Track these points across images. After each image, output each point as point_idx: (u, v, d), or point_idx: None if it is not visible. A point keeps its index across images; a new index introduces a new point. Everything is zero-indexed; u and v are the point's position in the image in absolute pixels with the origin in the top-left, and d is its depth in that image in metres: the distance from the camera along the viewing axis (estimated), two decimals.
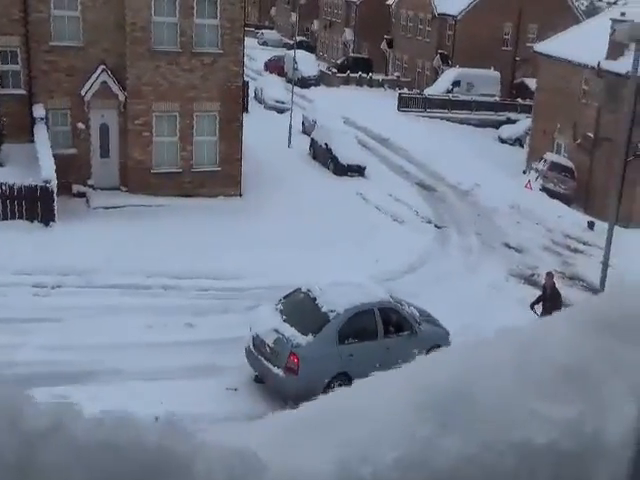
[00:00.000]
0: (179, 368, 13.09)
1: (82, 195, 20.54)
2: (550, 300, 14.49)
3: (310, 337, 11.75)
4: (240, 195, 22.67)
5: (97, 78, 20.49)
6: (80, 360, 12.92)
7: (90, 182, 21.02)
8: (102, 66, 20.47)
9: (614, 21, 26.03)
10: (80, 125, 20.75)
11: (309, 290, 12.53)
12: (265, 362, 11.95)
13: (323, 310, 12.06)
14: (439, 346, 12.69)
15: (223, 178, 22.47)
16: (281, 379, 11.66)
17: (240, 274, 17.12)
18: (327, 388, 11.34)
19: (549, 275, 15.36)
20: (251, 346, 12.32)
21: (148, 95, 21.15)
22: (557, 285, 15.17)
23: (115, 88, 20.75)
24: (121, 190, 21.37)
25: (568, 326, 1.29)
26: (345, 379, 11.70)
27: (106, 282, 15.91)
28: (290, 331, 11.85)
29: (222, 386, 12.74)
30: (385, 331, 12.53)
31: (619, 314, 1.27)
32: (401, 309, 13.02)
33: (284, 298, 12.85)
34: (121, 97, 20.91)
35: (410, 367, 1.22)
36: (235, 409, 11.95)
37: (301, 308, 12.27)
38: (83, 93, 20.49)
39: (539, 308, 14.65)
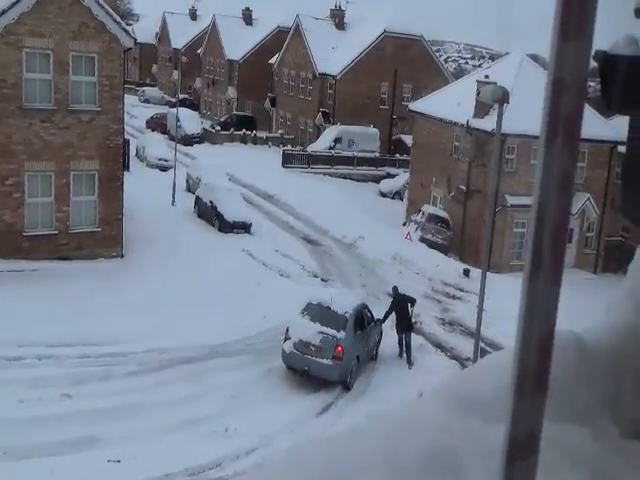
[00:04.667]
0: (56, 443, 12.28)
1: None
2: (401, 308, 18.13)
3: (342, 332, 15.82)
4: (122, 256, 21.96)
5: None
6: None
7: None
8: None
9: (479, 83, 27.98)
10: None
11: (320, 302, 16.56)
12: (313, 358, 15.61)
13: (340, 313, 16.22)
14: (381, 333, 18.34)
15: (103, 239, 21.72)
16: (330, 366, 15.56)
17: (121, 338, 16.45)
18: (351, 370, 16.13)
19: (394, 289, 18.92)
20: (294, 350, 15.76)
21: (19, 154, 20.26)
22: (402, 293, 18.79)
23: None
24: None
25: (436, 409, 1.33)
26: (357, 360, 16.37)
27: None
28: (329, 331, 15.77)
29: (104, 458, 12.08)
30: (367, 323, 17.18)
31: (483, 393, 1.34)
32: (369, 308, 17.71)
33: (304, 311, 16.40)
34: None
35: (285, 461, 1.20)
36: None
37: (324, 314, 16.14)
38: None
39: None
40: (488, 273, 21.08)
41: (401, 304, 18.20)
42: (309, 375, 15.71)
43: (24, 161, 20.37)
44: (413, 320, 18.36)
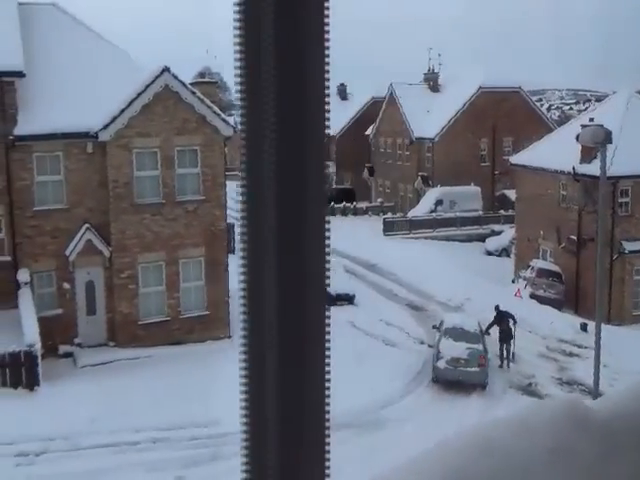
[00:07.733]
0: None
1: (69, 355, 20.43)
2: (502, 323, 21.61)
3: (480, 345, 20.04)
4: (229, 337, 22.57)
5: (81, 237, 20.92)
6: None
7: (77, 341, 20.94)
8: (86, 225, 20.95)
9: (584, 127, 26.86)
10: (65, 285, 21.00)
11: (454, 325, 20.81)
12: (463, 369, 19.47)
13: (472, 331, 20.59)
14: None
15: (211, 322, 22.48)
16: (477, 373, 19.52)
17: (229, 419, 16.70)
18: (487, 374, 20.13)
19: (497, 307, 22.15)
20: (447, 366, 19.57)
21: (133, 248, 21.56)
22: (504, 310, 21.99)
23: (100, 245, 21.19)
24: (109, 345, 21.27)
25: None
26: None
27: (93, 443, 15.49)
28: (472, 345, 19.77)
29: None
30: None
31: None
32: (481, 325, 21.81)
33: (446, 334, 20.35)
34: (106, 253, 21.31)
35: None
36: None
37: (461, 334, 20.25)
38: (68, 253, 20.86)
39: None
40: (609, 326, 19.78)
41: (503, 320, 21.63)
42: (461, 383, 19.36)
43: (137, 254, 21.63)
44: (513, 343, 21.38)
